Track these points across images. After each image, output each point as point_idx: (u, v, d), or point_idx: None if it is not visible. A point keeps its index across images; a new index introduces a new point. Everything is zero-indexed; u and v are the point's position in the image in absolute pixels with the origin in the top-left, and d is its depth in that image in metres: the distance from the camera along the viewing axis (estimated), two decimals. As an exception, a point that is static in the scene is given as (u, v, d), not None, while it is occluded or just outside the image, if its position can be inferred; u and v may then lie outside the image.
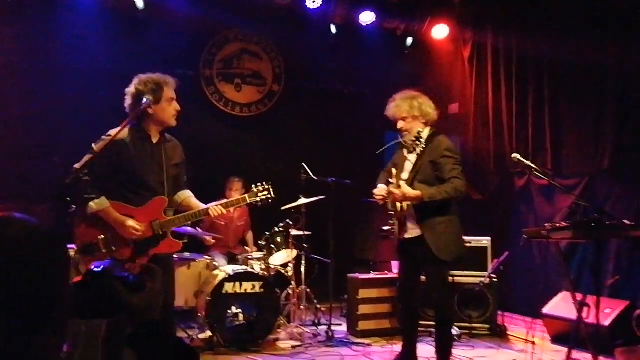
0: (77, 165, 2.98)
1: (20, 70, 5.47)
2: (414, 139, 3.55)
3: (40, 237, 1.02)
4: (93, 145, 3.03)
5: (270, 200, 3.37)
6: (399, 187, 3.56)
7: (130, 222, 3.04)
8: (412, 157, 3.73)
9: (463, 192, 3.61)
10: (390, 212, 3.80)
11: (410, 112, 3.77)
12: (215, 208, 3.19)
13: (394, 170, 3.80)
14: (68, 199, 3.61)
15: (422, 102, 3.81)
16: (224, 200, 3.33)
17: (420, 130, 3.64)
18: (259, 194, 3.34)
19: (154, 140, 3.18)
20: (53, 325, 1.00)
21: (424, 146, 3.58)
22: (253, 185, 3.41)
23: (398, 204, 3.70)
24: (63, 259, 1.06)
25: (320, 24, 6.55)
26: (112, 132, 3.09)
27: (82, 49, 5.68)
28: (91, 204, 3.00)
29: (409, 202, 3.65)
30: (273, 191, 3.38)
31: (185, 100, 6.21)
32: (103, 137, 3.09)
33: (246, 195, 3.35)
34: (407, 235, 3.73)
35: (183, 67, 6.23)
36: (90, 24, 5.70)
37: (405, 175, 3.72)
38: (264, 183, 3.39)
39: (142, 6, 5.75)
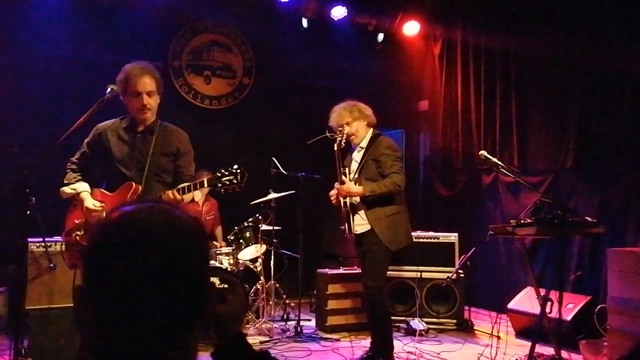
0: (73, 158, 3.16)
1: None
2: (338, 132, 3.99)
3: (201, 231, 0.99)
4: (85, 141, 3.16)
5: (235, 187, 2.88)
6: (343, 184, 3.95)
7: (87, 203, 2.98)
8: (358, 157, 4.11)
9: (401, 186, 3.88)
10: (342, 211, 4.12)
11: (352, 116, 4.12)
12: (168, 193, 2.95)
13: (347, 171, 4.14)
14: (27, 190, 3.54)
15: (360, 107, 4.18)
16: (181, 185, 2.98)
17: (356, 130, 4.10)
18: (223, 178, 2.88)
19: (140, 129, 3.08)
20: (201, 324, 0.96)
21: (363, 146, 4.04)
22: (222, 169, 2.97)
23: (342, 200, 4.04)
24: (208, 254, 1.02)
25: (292, 17, 6.49)
26: (100, 125, 3.16)
27: (47, 37, 5.50)
28: (63, 188, 3.07)
29: (356, 198, 3.99)
30: (242, 177, 2.88)
31: (152, 92, 6.15)
32: (94, 130, 3.17)
33: (205, 179, 2.92)
34: (359, 231, 4.02)
35: (151, 58, 6.04)
36: (56, 11, 5.51)
37: (352, 174, 4.09)
38: (233, 167, 2.90)
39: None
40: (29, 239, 4.34)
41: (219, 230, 5.83)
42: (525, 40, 5.63)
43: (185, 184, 2.96)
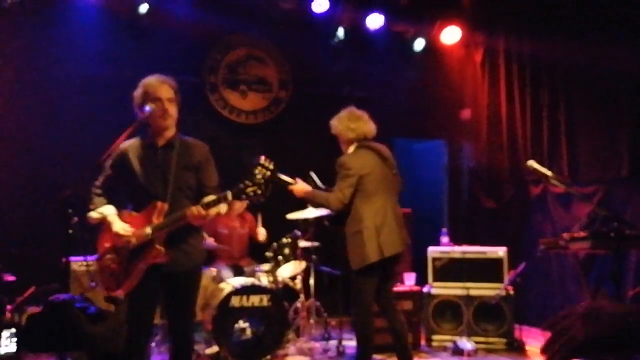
0: (97, 182, 3.08)
1: (22, 79, 5.36)
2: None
3: None
4: (106, 164, 3.07)
5: (260, 198, 2.81)
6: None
7: (116, 227, 2.93)
8: None
9: (331, 204, 3.83)
10: None
11: (333, 131, 4.09)
12: (192, 208, 2.85)
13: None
14: (70, 210, 3.56)
15: (338, 125, 4.03)
16: (205, 200, 2.88)
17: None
18: (247, 189, 2.81)
19: (160, 144, 3.03)
20: None
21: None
22: (246, 180, 2.88)
23: None
24: None
25: (327, 28, 6.41)
26: (122, 145, 3.06)
27: (84, 55, 5.58)
28: (91, 213, 3.02)
29: None
30: (266, 187, 2.82)
31: (189, 108, 6.10)
32: (115, 152, 3.08)
33: (229, 192, 2.83)
34: None
35: (187, 74, 6.09)
36: (92, 30, 5.58)
37: None
38: (256, 177, 2.83)
39: (145, 11, 5.62)
40: (71, 258, 4.38)
41: (261, 231, 5.57)
42: (571, 45, 5.39)
43: (210, 198, 2.86)
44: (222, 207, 2.94)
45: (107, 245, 3.01)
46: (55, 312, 2.81)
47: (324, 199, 3.87)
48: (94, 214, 3.01)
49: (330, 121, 4.11)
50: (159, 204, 2.91)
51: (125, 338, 3.03)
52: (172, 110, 3.01)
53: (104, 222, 3.01)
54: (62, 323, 2.62)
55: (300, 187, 3.97)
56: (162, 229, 2.90)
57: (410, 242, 4.10)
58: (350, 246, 3.84)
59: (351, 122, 3.99)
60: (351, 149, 3.99)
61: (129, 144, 3.05)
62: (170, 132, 3.05)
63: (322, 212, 4.54)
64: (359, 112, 4.05)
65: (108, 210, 3.02)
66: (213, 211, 2.88)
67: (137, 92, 3.04)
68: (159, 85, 2.99)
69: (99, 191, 3.08)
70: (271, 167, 2.88)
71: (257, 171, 2.83)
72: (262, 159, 2.89)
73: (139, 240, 2.91)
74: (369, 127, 4.01)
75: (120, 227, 2.94)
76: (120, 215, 3.02)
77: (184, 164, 3.02)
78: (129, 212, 3.03)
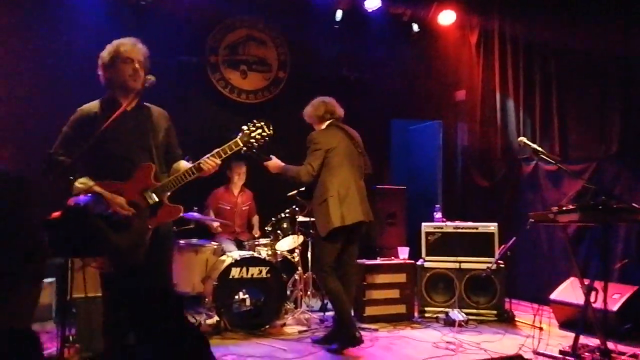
0: (53, 148, 2.84)
1: (24, 61, 5.43)
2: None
3: (8, 182, 0.97)
4: (64, 129, 2.90)
5: (266, 138, 3.01)
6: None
7: (118, 200, 2.78)
8: None
9: (302, 177, 4.15)
10: None
11: (306, 117, 4.49)
12: (207, 160, 2.89)
13: None
14: (71, 178, 3.45)
15: (309, 110, 4.45)
16: (214, 151, 2.93)
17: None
18: (253, 134, 2.96)
19: (128, 108, 2.92)
20: (28, 273, 0.95)
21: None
22: (244, 126, 3.02)
23: None
24: (33, 204, 1.00)
25: (326, 9, 6.50)
26: (82, 108, 2.94)
27: (85, 37, 5.62)
28: (76, 184, 2.77)
29: None
30: (269, 127, 3.02)
31: (191, 88, 6.27)
32: (73, 116, 2.94)
33: (237, 139, 2.95)
34: None
35: (188, 54, 6.21)
36: (93, 11, 5.65)
37: None
38: (255, 121, 3.02)
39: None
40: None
41: (255, 220, 5.88)
42: (565, 27, 5.51)
43: (220, 149, 2.93)
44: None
45: None
46: (74, 218, 2.65)
47: (295, 172, 4.17)
48: (79, 185, 2.77)
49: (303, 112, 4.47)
50: (151, 165, 2.85)
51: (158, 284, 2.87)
52: (142, 74, 2.93)
53: (88, 191, 2.77)
54: (81, 230, 2.46)
55: (273, 163, 4.26)
56: (171, 188, 2.87)
57: (372, 217, 4.34)
58: (316, 214, 4.19)
59: (319, 104, 4.41)
60: (322, 127, 4.34)
61: (95, 107, 2.92)
62: (137, 97, 2.96)
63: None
64: (328, 98, 4.46)
65: (89, 182, 2.79)
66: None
67: (106, 52, 2.93)
68: (132, 46, 2.93)
69: (74, 162, 2.79)
70: (270, 130, 3.05)
71: (255, 121, 3.02)
72: (264, 121, 3.06)
73: (143, 206, 2.82)
74: (337, 108, 4.42)
75: (118, 201, 2.78)
76: (103, 186, 2.79)
77: (157, 127, 2.97)
78: (110, 182, 2.81)
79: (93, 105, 2.94)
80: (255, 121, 3.04)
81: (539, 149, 4.11)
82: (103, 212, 1.02)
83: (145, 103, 3.02)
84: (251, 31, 6.54)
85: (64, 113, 3.39)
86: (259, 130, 3.01)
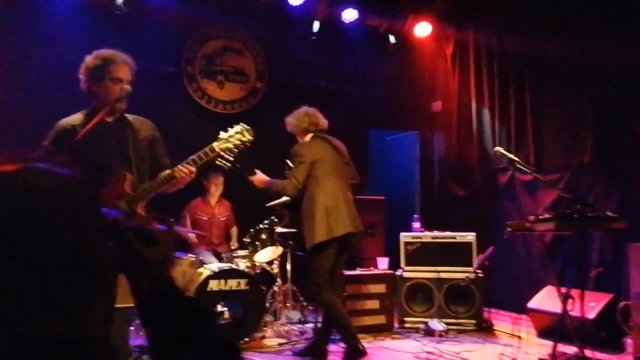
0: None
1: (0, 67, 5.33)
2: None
3: (72, 189, 0.91)
4: (44, 143, 2.84)
5: (247, 143, 2.86)
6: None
7: None
8: None
9: (287, 190, 4.12)
10: None
11: (289, 127, 4.42)
12: (180, 168, 2.78)
13: None
14: None
15: (292, 121, 4.38)
16: (189, 158, 2.82)
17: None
18: (230, 138, 2.81)
19: (109, 120, 2.86)
20: (98, 284, 0.89)
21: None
22: (221, 132, 2.90)
23: None
24: (98, 211, 0.94)
25: (303, 20, 6.52)
26: (61, 121, 2.88)
27: (60, 46, 5.54)
28: None
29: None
30: (248, 132, 2.87)
31: (167, 98, 6.22)
32: (53, 129, 2.89)
33: (213, 145, 2.82)
34: None
35: (165, 64, 6.15)
36: (67, 20, 5.55)
37: None
38: (234, 125, 2.90)
39: (122, 1, 5.64)
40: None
41: (234, 231, 5.82)
42: (538, 38, 5.61)
43: (195, 155, 2.80)
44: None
45: None
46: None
47: (281, 186, 4.13)
48: None
49: (285, 119, 4.41)
50: (128, 175, 2.77)
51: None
52: (129, 91, 2.85)
53: None
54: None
55: (259, 177, 4.22)
56: (144, 197, 2.80)
57: (362, 227, 4.32)
58: (304, 227, 4.13)
59: (303, 115, 4.34)
60: (306, 139, 4.29)
61: (73, 119, 2.85)
62: (123, 110, 2.91)
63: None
64: (311, 109, 4.39)
65: None
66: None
67: (92, 63, 2.84)
68: (123, 65, 2.84)
69: None
70: (250, 136, 2.91)
71: (237, 129, 2.88)
72: (244, 126, 2.92)
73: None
74: (321, 120, 4.35)
75: None
76: None
77: (140, 138, 2.90)
78: None
79: (73, 118, 2.86)
80: (234, 125, 2.90)
81: (515, 158, 4.16)
82: (132, 226, 0.97)
83: (126, 114, 2.94)
84: (228, 41, 6.51)
85: (39, 126, 3.32)
86: (238, 136, 2.86)
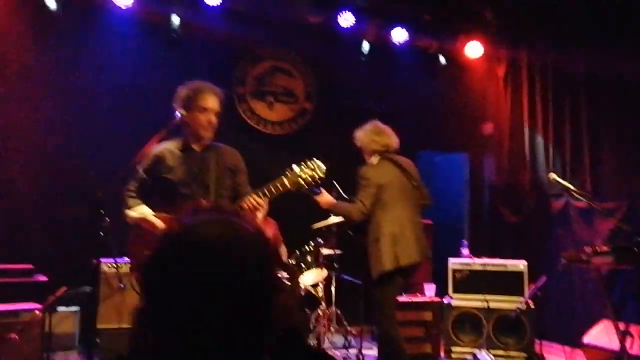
0: (130, 187, 3.05)
1: (60, 85, 5.53)
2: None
3: (265, 241, 0.95)
4: (139, 168, 3.06)
5: (318, 181, 2.93)
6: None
7: (161, 225, 2.92)
8: None
9: (353, 215, 3.94)
10: None
11: (358, 142, 4.23)
12: (249, 198, 2.86)
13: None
14: (101, 211, 3.57)
15: (363, 137, 4.19)
16: (260, 189, 2.89)
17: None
18: (302, 173, 2.87)
19: (197, 149, 3.07)
20: (271, 339, 0.92)
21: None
22: (294, 165, 2.94)
23: None
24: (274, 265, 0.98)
25: (353, 41, 6.53)
26: (156, 148, 3.08)
27: (117, 67, 5.75)
28: (128, 212, 2.97)
29: None
30: (321, 170, 2.90)
31: (218, 118, 6.29)
32: (146, 154, 3.09)
33: (284, 179, 2.87)
34: None
35: (216, 84, 6.26)
36: (125, 42, 5.75)
37: None
38: (307, 161, 2.95)
39: (177, 23, 5.81)
40: (102, 259, 4.52)
41: (282, 250, 5.79)
42: (594, 58, 5.43)
43: (265, 187, 2.89)
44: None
45: (146, 252, 2.97)
46: None
47: (346, 210, 3.99)
48: (132, 213, 2.97)
49: (354, 133, 4.24)
50: (203, 202, 2.86)
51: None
52: (215, 122, 3.07)
53: (141, 223, 2.97)
54: None
55: (325, 198, 4.09)
56: None
57: (430, 254, 4.17)
58: (369, 254, 3.92)
59: (375, 135, 4.13)
60: (374, 160, 4.12)
61: (164, 148, 3.05)
62: (210, 139, 3.11)
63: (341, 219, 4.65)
64: (383, 126, 4.21)
65: (147, 210, 2.99)
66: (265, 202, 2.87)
67: (184, 93, 3.03)
68: (210, 96, 3.03)
69: (133, 194, 3.05)
70: (322, 174, 2.96)
71: (311, 166, 2.93)
72: (317, 162, 2.96)
73: None
74: (392, 140, 4.15)
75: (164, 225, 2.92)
76: (158, 218, 2.98)
77: (223, 167, 3.06)
78: (167, 215, 2.95)
79: (166, 146, 3.07)
80: (307, 161, 2.96)
81: (570, 186, 4.02)
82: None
83: (215, 143, 3.14)
84: (278, 62, 6.59)
85: (95, 135, 3.41)
86: (310, 172, 2.92)
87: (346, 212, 4.02)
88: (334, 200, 4.09)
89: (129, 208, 3.00)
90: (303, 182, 2.89)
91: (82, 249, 4.55)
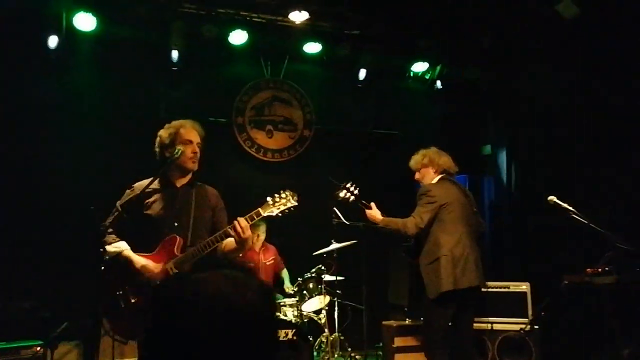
0: (106, 222, 3.01)
1: (57, 118, 5.60)
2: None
3: (271, 298, 1.00)
4: (117, 203, 3.09)
5: (292, 209, 3.05)
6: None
7: (140, 261, 2.93)
8: None
9: (408, 228, 3.80)
10: None
11: (421, 163, 4.17)
12: (236, 222, 2.93)
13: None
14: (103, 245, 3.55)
15: (431, 155, 4.16)
16: (245, 217, 2.99)
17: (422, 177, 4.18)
18: (276, 204, 3.03)
19: (178, 185, 3.12)
20: None
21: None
22: (268, 197, 3.08)
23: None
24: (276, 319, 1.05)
25: (350, 68, 6.63)
26: (136, 185, 3.12)
27: (117, 101, 5.84)
28: (107, 247, 2.94)
29: None
30: (293, 197, 3.07)
31: (218, 148, 6.38)
32: (127, 190, 3.12)
33: (259, 209, 3.01)
34: None
35: (216, 115, 6.37)
36: (125, 76, 5.85)
37: None
38: (282, 192, 3.09)
39: (177, 58, 5.91)
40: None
41: (284, 273, 5.77)
42: (594, 82, 5.49)
43: (247, 215, 2.97)
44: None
45: (119, 292, 2.93)
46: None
47: (401, 224, 3.82)
48: (110, 248, 2.95)
49: (414, 156, 4.27)
50: (178, 238, 2.96)
51: None
52: (199, 153, 3.14)
53: (119, 258, 2.94)
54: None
55: (373, 213, 3.97)
56: (193, 259, 2.93)
57: (486, 283, 4.07)
58: (425, 275, 3.81)
59: (441, 154, 4.17)
60: (434, 179, 4.09)
61: (144, 184, 3.07)
62: (191, 175, 3.16)
63: (339, 245, 4.78)
64: (442, 151, 4.24)
65: (124, 245, 2.99)
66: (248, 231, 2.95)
67: (165, 133, 3.12)
68: (191, 129, 3.13)
69: (110, 230, 3.00)
70: (294, 201, 3.08)
71: (283, 195, 3.07)
72: (290, 192, 3.10)
73: (162, 276, 2.91)
74: (452, 163, 4.17)
75: (144, 262, 2.93)
76: (132, 256, 2.97)
77: (203, 204, 3.11)
78: (142, 253, 2.98)
79: (146, 182, 3.08)
80: (281, 192, 3.09)
81: (569, 208, 4.03)
82: None
83: (197, 182, 3.18)
84: (277, 92, 6.69)
85: (96, 170, 3.32)
86: (283, 201, 3.06)
87: (401, 226, 3.81)
88: (382, 217, 3.94)
89: (107, 242, 2.97)
90: (278, 212, 3.04)
91: (85, 283, 4.56)
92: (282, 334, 4.55)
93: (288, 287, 5.58)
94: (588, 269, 3.83)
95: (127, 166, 5.46)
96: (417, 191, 4.07)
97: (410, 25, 6.47)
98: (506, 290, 5.14)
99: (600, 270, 3.76)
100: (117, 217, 3.02)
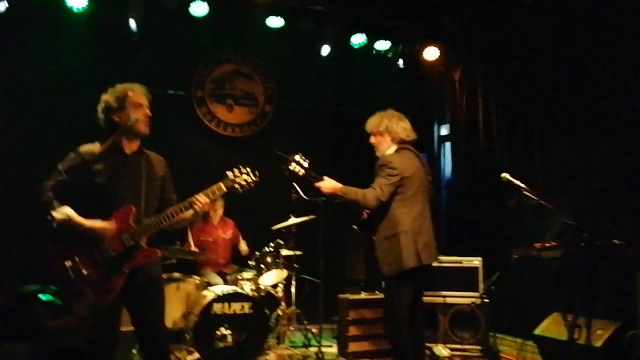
0: (46, 184, 2.80)
1: (5, 86, 5.43)
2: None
3: None
4: (60, 167, 2.85)
5: (252, 184, 3.04)
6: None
7: (96, 223, 2.79)
8: None
9: (368, 200, 3.57)
10: None
11: (378, 129, 3.88)
12: (198, 197, 2.91)
13: None
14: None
15: (390, 122, 3.86)
16: (202, 192, 2.97)
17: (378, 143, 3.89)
18: (237, 178, 3.01)
19: (127, 152, 3.00)
20: None
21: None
22: (228, 172, 3.06)
23: None
24: None
25: (313, 45, 6.60)
26: (81, 148, 2.93)
27: (72, 70, 5.68)
28: (54, 213, 2.72)
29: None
30: (254, 174, 3.06)
31: (176, 121, 6.30)
32: (71, 154, 2.91)
33: (220, 183, 2.99)
34: None
35: (175, 88, 6.27)
36: (81, 45, 5.70)
37: None
38: (242, 167, 3.07)
39: (135, 28, 5.76)
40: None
41: (243, 245, 5.78)
42: (548, 64, 5.61)
43: (209, 190, 2.97)
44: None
45: (67, 263, 2.79)
46: (19, 304, 2.86)
47: (360, 195, 3.58)
48: (57, 215, 2.72)
49: (369, 120, 3.97)
50: (133, 208, 2.87)
51: (89, 335, 2.88)
52: (150, 116, 3.02)
53: (65, 224, 2.75)
54: (25, 315, 2.67)
55: (329, 183, 3.71)
56: (147, 232, 2.89)
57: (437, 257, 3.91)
58: (383, 251, 3.64)
59: (400, 120, 3.88)
60: (391, 149, 3.82)
61: (90, 150, 2.91)
62: (139, 141, 3.04)
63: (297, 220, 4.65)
64: (401, 115, 3.93)
65: (70, 211, 2.76)
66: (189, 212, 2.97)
67: (112, 97, 2.97)
68: (139, 92, 3.01)
69: (49, 193, 2.77)
70: (255, 177, 3.09)
71: (243, 170, 3.07)
72: (247, 168, 3.09)
73: (119, 246, 2.83)
74: (411, 129, 3.90)
75: (101, 223, 2.81)
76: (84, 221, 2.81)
77: (152, 173, 3.03)
78: (92, 219, 2.83)
79: (93, 147, 2.93)
80: (240, 167, 3.08)
81: (521, 185, 4.14)
82: (46, 299, 1.00)
83: (144, 150, 3.07)
84: (238, 66, 6.61)
85: (50, 147, 3.30)
86: (244, 176, 3.05)
87: (360, 198, 3.57)
88: (340, 185, 3.68)
89: (53, 208, 2.74)
90: (239, 187, 3.03)
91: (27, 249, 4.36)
92: (238, 307, 4.58)
93: (244, 250, 5.58)
94: (536, 244, 3.95)
95: (78, 140, 5.35)
96: (377, 162, 3.84)
97: (374, 2, 6.47)
98: (459, 265, 5.30)
99: (547, 244, 3.88)
100: (60, 181, 2.81)
